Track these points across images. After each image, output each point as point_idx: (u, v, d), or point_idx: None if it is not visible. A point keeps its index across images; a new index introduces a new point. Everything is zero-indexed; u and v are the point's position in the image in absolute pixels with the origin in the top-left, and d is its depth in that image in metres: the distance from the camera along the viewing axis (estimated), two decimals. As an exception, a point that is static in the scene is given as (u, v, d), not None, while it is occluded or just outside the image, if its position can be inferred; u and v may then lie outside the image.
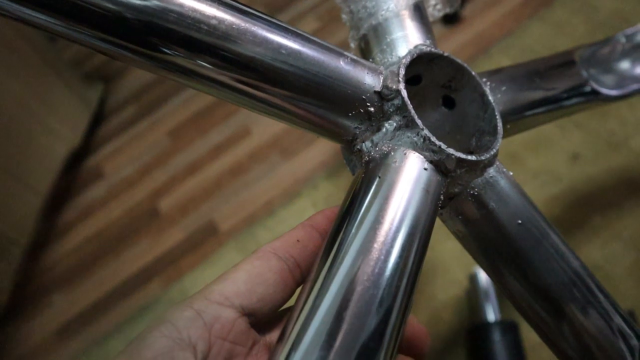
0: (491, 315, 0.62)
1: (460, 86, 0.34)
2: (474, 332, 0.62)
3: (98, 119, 1.10)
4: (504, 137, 0.31)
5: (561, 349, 0.32)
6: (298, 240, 0.28)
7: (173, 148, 1.01)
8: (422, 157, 0.28)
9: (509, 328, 0.60)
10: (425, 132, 0.28)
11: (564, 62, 0.43)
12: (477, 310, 0.63)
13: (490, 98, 0.32)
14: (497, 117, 0.32)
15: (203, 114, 1.03)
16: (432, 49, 0.31)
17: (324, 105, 0.28)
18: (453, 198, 0.31)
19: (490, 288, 0.64)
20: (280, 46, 0.26)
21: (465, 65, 0.32)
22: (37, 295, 0.91)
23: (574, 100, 0.42)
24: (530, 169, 0.76)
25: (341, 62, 0.28)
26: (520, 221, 0.31)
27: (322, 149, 0.91)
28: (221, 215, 0.89)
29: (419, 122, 0.28)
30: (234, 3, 0.26)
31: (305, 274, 0.27)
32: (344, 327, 0.22)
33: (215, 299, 0.24)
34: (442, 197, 0.28)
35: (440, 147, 0.27)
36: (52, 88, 0.98)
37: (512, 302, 0.33)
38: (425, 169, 0.27)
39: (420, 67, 0.32)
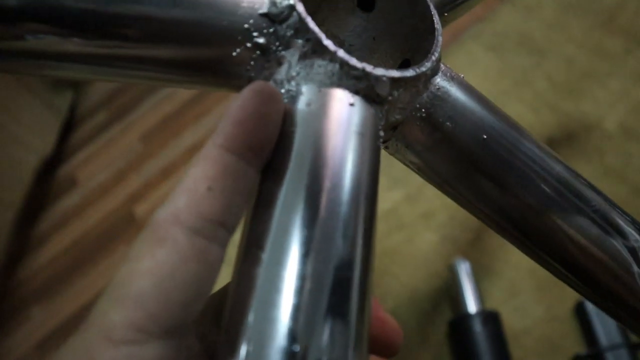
0: (472, 306, 0.61)
1: None
2: (455, 323, 0.62)
3: (69, 126, 1.07)
4: (442, 26, 0.25)
5: (549, 263, 0.27)
6: (209, 188, 0.18)
7: (146, 152, 0.98)
8: (343, 89, 0.21)
9: (490, 318, 0.60)
10: (340, 54, 0.20)
11: None
12: (458, 301, 0.63)
13: None
14: (432, 10, 0.25)
15: (174, 116, 1.01)
16: None
17: (195, 52, 0.21)
18: (397, 127, 0.24)
19: (470, 279, 0.64)
20: None
21: None
22: (15, 309, 0.89)
23: None
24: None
25: None
26: (485, 136, 0.25)
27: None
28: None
29: (327, 43, 0.20)
30: None
31: (233, 225, 0.19)
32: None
33: (124, 336, 0.15)
34: (382, 132, 0.22)
35: (364, 70, 0.21)
36: (18, 97, 0.95)
37: (492, 228, 0.28)
38: (352, 104, 0.20)
39: None
